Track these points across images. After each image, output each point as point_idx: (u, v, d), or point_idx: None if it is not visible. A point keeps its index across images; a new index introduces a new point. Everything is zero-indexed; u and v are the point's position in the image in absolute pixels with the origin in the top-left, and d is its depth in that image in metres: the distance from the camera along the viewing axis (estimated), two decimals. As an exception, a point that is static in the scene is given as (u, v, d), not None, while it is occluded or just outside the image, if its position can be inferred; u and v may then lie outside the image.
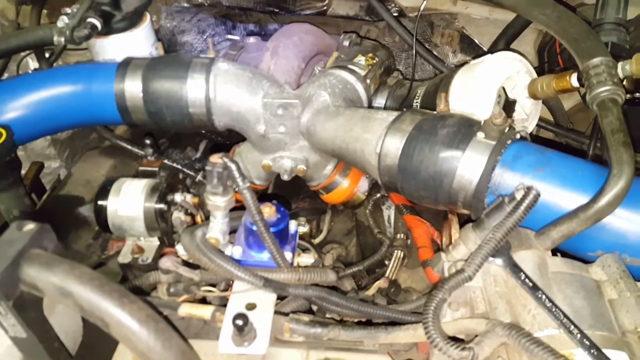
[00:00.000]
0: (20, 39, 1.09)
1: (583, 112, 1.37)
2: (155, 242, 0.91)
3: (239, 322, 0.57)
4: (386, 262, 1.06)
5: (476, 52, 1.39)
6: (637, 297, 0.59)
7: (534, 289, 0.59)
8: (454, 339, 0.57)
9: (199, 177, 1.09)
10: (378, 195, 1.19)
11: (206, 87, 0.95)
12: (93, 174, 1.15)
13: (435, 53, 1.37)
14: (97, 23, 1.06)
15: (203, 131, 1.34)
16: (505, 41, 1.26)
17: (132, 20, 1.16)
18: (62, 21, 1.04)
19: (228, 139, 1.29)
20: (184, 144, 1.31)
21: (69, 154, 1.40)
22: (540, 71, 1.00)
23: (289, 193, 1.35)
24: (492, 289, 0.62)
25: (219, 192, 0.67)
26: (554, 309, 0.56)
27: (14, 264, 0.47)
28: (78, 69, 1.05)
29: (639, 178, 0.66)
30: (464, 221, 0.81)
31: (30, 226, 0.51)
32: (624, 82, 0.77)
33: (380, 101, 1.19)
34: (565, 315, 0.55)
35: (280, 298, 0.78)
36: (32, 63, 1.28)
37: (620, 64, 0.76)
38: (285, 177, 1.05)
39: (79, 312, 0.49)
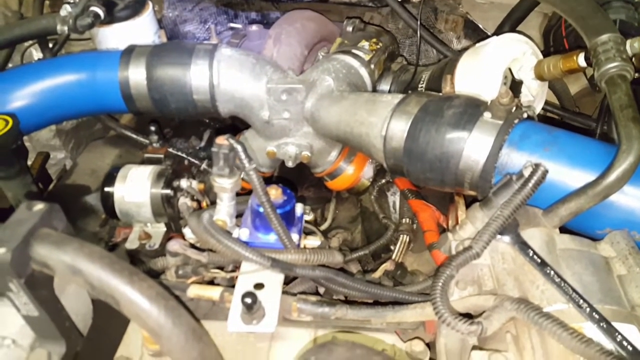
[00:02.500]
0: (24, 29, 1.09)
1: (589, 97, 1.36)
2: (162, 228, 0.92)
3: (248, 300, 0.57)
4: (392, 247, 1.06)
5: (481, 37, 1.37)
6: (646, 272, 0.59)
7: (542, 265, 0.59)
8: (463, 316, 0.57)
9: (204, 166, 1.10)
10: (383, 181, 1.19)
11: (210, 74, 0.95)
12: (98, 163, 1.15)
13: (441, 39, 1.36)
14: (100, 12, 1.06)
15: (207, 120, 1.34)
16: (510, 25, 1.25)
17: (135, 9, 1.16)
18: (65, 10, 1.04)
19: (232, 126, 1.29)
20: (188, 134, 1.31)
21: (74, 145, 1.40)
22: (546, 55, 0.99)
23: (294, 181, 1.35)
24: (500, 266, 0.62)
25: (225, 174, 0.68)
26: (562, 284, 0.56)
27: (25, 242, 0.48)
28: (82, 57, 1.05)
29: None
30: (469, 202, 0.81)
31: (39, 206, 0.52)
32: (633, 60, 0.76)
33: (384, 87, 1.19)
34: (574, 290, 0.55)
35: (288, 281, 0.79)
36: (36, 53, 1.27)
37: (629, 42, 0.75)
38: (290, 164, 1.05)
39: (89, 290, 0.50)
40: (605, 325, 0.52)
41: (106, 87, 0.99)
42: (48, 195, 1.11)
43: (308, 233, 0.85)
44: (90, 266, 0.48)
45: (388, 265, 0.92)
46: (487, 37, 1.34)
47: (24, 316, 0.51)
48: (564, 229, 0.68)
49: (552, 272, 0.58)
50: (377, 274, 0.91)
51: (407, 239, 1.03)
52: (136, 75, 0.97)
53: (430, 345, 0.70)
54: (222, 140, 0.66)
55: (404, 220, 1.07)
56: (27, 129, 1.00)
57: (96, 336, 0.61)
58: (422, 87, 1.09)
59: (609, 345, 0.51)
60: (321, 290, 0.82)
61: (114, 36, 1.14)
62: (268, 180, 1.23)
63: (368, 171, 1.13)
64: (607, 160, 0.65)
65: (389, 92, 1.17)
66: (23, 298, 0.49)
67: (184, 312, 0.51)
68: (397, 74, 1.18)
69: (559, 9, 0.82)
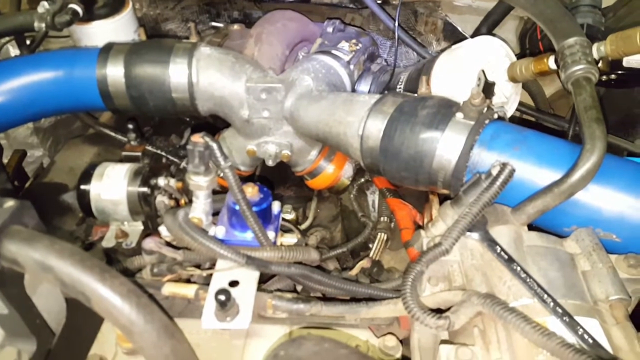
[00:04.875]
0: (0, 25, 1.08)
1: (564, 98, 1.39)
2: (139, 226, 0.91)
3: (222, 297, 0.58)
4: (370, 245, 1.07)
5: (459, 39, 1.39)
6: (609, 268, 0.61)
7: (509, 261, 0.60)
8: (434, 311, 0.58)
9: (183, 164, 1.10)
10: (362, 180, 1.20)
11: (189, 72, 0.95)
12: (76, 161, 1.15)
13: (420, 41, 1.38)
14: (79, 9, 1.06)
15: (187, 118, 1.34)
16: (487, 28, 1.27)
17: (114, 7, 1.16)
18: (43, 7, 1.03)
19: (213, 124, 1.29)
20: (168, 132, 1.31)
21: (52, 143, 1.38)
22: (522, 57, 1.01)
23: (275, 181, 1.35)
24: (469, 262, 0.64)
25: (200, 172, 0.68)
26: (528, 280, 0.58)
27: (-6, 239, 0.47)
28: (59, 54, 1.04)
29: (611, 155, 0.68)
30: (443, 200, 0.82)
31: (10, 203, 0.51)
32: (599, 64, 0.79)
33: (364, 87, 1.20)
34: (539, 285, 0.57)
35: (264, 280, 0.79)
36: (13, 50, 1.26)
37: (595, 45, 0.78)
38: (270, 163, 1.05)
39: (60, 287, 0.50)
40: (567, 319, 0.54)
41: (84, 84, 0.98)
42: (24, 193, 1.09)
43: (286, 231, 0.85)
44: (61, 263, 0.48)
45: (365, 263, 0.93)
46: (465, 39, 1.38)
47: (-7, 314, 0.50)
48: (532, 227, 0.70)
49: (519, 268, 0.59)
50: (354, 272, 0.92)
51: (385, 237, 1.05)
52: (114, 72, 0.96)
53: (405, 341, 0.72)
54: (197, 138, 0.66)
55: (382, 218, 1.09)
56: (3, 127, 0.99)
57: (69, 334, 0.61)
58: (400, 88, 1.10)
59: (570, 338, 0.53)
60: (299, 287, 0.83)
61: (93, 34, 1.14)
62: (249, 179, 1.24)
63: (348, 170, 1.15)
64: (574, 159, 0.67)
65: (369, 92, 1.19)
66: (-8, 295, 0.48)
67: (156, 309, 0.51)
68: (377, 75, 1.20)
69: (529, 12, 0.85)
